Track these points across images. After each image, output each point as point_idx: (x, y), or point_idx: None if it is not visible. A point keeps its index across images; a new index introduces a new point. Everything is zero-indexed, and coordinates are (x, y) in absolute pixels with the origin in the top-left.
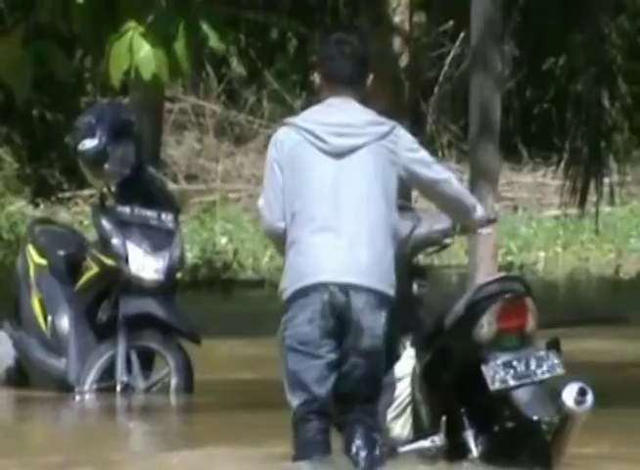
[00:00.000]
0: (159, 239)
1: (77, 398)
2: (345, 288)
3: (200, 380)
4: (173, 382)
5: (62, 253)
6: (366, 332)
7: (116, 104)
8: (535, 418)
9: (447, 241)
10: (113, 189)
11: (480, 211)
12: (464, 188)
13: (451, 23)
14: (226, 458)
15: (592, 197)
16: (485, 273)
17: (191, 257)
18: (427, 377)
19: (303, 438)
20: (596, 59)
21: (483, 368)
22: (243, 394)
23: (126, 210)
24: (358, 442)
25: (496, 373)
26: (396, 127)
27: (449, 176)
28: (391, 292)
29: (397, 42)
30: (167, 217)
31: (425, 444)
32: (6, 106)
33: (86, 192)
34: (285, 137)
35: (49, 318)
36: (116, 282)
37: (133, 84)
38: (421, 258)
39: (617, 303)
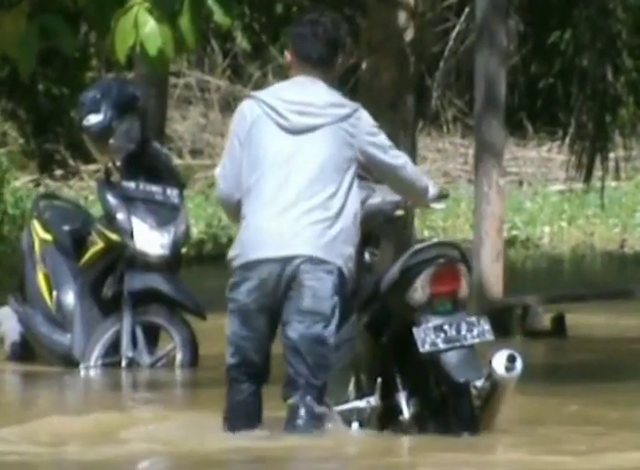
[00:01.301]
0: (164, 214)
1: (82, 373)
2: (288, 261)
3: (205, 355)
4: (178, 357)
5: (67, 228)
6: (307, 291)
7: (122, 79)
8: (462, 381)
9: (399, 213)
10: (118, 164)
11: (432, 192)
12: (418, 171)
13: None
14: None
15: (597, 171)
16: (491, 248)
17: (196, 232)
18: (364, 339)
19: (234, 399)
20: (601, 33)
21: (415, 331)
22: None
23: (131, 185)
24: (299, 423)
25: (427, 336)
26: (358, 110)
27: (405, 162)
28: (339, 261)
29: (402, 17)
30: (172, 192)
31: (360, 404)
32: (11, 80)
33: (91, 167)
34: (248, 110)
35: (54, 293)
36: (121, 257)
37: (138, 59)
38: (426, 233)
39: (621, 277)
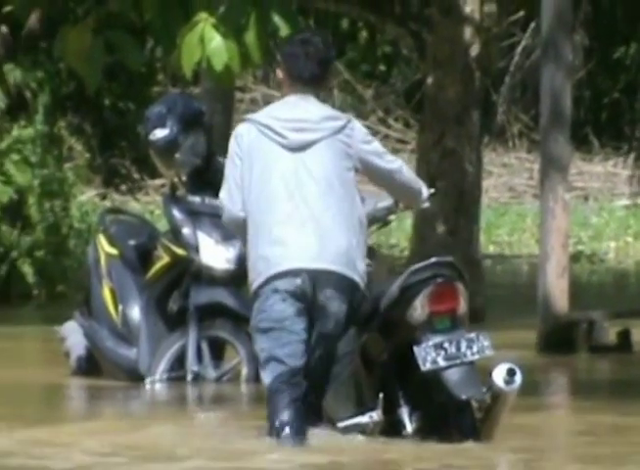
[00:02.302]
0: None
1: (148, 387)
2: (315, 275)
3: None
4: (244, 371)
5: (132, 242)
6: (332, 318)
7: (187, 94)
8: (464, 398)
9: (391, 217)
10: (183, 179)
11: (425, 193)
12: (412, 174)
13: (522, 12)
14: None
15: None
16: (556, 263)
17: None
18: (364, 355)
19: (278, 406)
20: None
21: (415, 349)
22: None
23: (197, 199)
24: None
25: (427, 354)
26: (351, 121)
27: (400, 165)
28: (358, 278)
29: (468, 32)
30: None
31: (363, 419)
32: (77, 95)
33: (157, 182)
34: (245, 132)
35: (120, 308)
36: (187, 272)
37: (204, 74)
38: (491, 249)
39: None
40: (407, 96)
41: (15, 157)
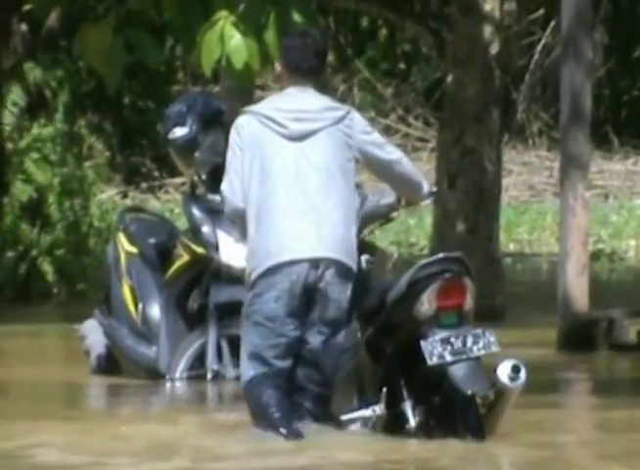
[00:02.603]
0: None
1: (168, 385)
2: (316, 262)
3: None
4: None
5: (152, 241)
6: (333, 303)
7: (207, 92)
8: (470, 393)
9: (393, 214)
10: (203, 177)
11: (425, 188)
12: (413, 166)
13: (542, 11)
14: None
15: None
16: (576, 261)
17: None
18: (369, 349)
19: (260, 401)
20: None
21: (422, 344)
22: None
23: (217, 198)
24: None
25: (434, 349)
26: (351, 112)
27: (401, 156)
28: (355, 267)
29: (488, 30)
30: None
31: (366, 413)
32: (97, 94)
33: (177, 180)
34: (245, 123)
35: (139, 306)
36: (207, 270)
37: (224, 73)
38: (511, 247)
39: None
40: (427, 94)
41: (35, 155)
